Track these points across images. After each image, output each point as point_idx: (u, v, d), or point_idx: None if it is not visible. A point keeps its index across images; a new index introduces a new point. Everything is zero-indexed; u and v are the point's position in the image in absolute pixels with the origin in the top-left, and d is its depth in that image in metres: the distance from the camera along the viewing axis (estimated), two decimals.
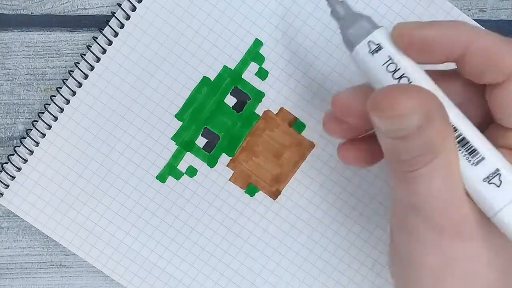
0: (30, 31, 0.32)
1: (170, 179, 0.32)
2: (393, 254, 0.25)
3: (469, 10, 0.32)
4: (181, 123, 0.32)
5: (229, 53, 0.31)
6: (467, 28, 0.23)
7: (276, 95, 0.32)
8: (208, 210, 0.32)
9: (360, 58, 0.23)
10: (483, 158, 0.22)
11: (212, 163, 0.32)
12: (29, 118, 0.32)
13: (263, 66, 0.31)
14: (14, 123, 0.32)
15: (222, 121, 0.32)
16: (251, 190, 0.32)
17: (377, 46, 0.23)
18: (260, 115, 0.32)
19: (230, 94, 0.32)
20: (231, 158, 0.32)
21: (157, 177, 0.32)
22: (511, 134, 0.23)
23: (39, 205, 0.31)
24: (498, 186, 0.22)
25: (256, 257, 0.32)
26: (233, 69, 0.31)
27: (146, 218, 0.32)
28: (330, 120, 0.27)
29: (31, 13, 0.32)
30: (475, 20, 0.32)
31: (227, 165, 0.32)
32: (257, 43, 0.31)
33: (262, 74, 0.32)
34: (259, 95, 0.32)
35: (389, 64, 0.23)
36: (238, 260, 0.32)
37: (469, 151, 0.22)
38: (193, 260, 0.32)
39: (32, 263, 0.33)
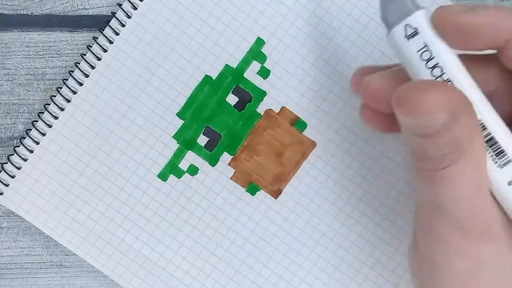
0: (30, 31, 0.32)
1: (172, 177, 0.32)
2: (416, 258, 0.25)
3: None
4: (183, 121, 0.31)
5: (231, 52, 0.31)
6: None
7: (278, 94, 0.32)
8: (209, 209, 0.32)
9: (395, 41, 0.22)
10: (510, 161, 0.22)
11: (213, 161, 0.32)
12: (29, 118, 0.32)
13: (265, 65, 0.32)
14: (14, 123, 0.32)
15: (223, 120, 0.32)
16: (252, 189, 0.32)
17: (413, 31, 0.22)
18: (262, 114, 0.32)
19: (232, 93, 0.32)
20: (232, 156, 0.32)
21: (158, 176, 0.32)
22: None
23: (39, 203, 0.31)
24: None
25: (257, 256, 0.32)
26: (234, 67, 0.31)
27: (147, 217, 0.31)
28: (364, 109, 0.26)
29: (31, 13, 0.32)
30: None
31: (229, 164, 0.32)
32: (259, 42, 0.31)
33: (264, 73, 0.32)
34: (261, 94, 0.32)
35: (423, 52, 0.22)
36: (239, 258, 0.32)
37: (496, 152, 0.22)
38: (194, 259, 0.32)
39: (32, 263, 0.33)
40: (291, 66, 0.31)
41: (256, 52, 0.31)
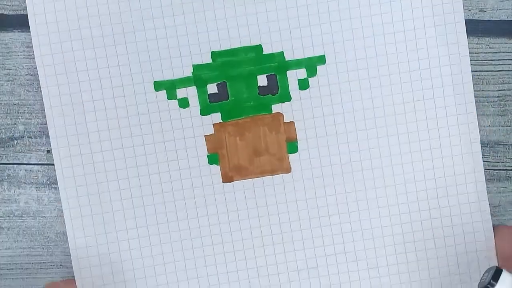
0: (30, 31, 0.32)
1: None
2: None
3: (469, 10, 0.32)
4: (211, 61, 0.31)
5: (293, 45, 0.31)
6: None
7: (298, 109, 0.31)
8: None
9: None
10: None
11: (205, 111, 0.31)
12: (29, 119, 0.32)
13: (310, 79, 0.31)
14: (14, 123, 0.32)
15: (241, 89, 0.31)
16: (212, 158, 0.32)
17: None
18: (272, 112, 0.32)
19: (266, 75, 0.31)
20: (221, 121, 0.32)
21: (154, 83, 0.31)
22: None
23: None
24: None
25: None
26: (285, 60, 0.31)
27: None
28: None
29: None
30: (475, 20, 0.32)
31: (213, 124, 0.31)
32: (321, 59, 0.31)
33: (303, 84, 0.31)
34: (286, 97, 0.31)
35: None
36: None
37: None
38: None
39: (32, 263, 0.33)
40: (327, 99, 0.31)
41: (312, 64, 0.31)
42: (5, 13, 0.31)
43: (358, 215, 0.32)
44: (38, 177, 0.32)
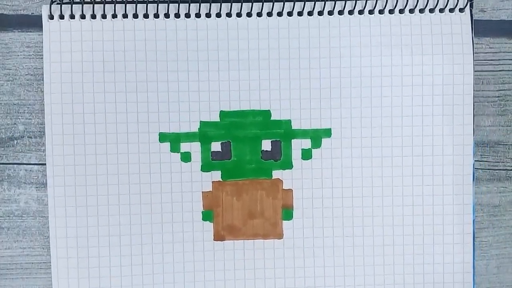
0: (30, 31, 0.32)
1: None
2: None
3: None
4: (219, 120, 0.31)
5: (301, 115, 0.31)
6: None
7: (298, 178, 0.31)
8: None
9: None
10: None
11: (206, 167, 0.31)
12: (29, 119, 0.32)
13: (313, 150, 0.31)
14: (14, 123, 0.32)
15: (244, 151, 0.31)
16: (206, 215, 0.32)
17: None
18: (272, 178, 0.32)
19: (271, 141, 0.31)
20: (220, 180, 0.32)
21: (160, 135, 0.31)
22: None
23: None
24: None
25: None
26: (292, 128, 0.31)
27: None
28: None
29: (31, 13, 0.32)
30: (475, 20, 0.32)
31: (212, 181, 0.31)
32: (327, 132, 0.31)
33: (306, 155, 0.32)
34: (287, 165, 0.32)
35: None
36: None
37: None
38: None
39: (32, 263, 0.33)
40: (326, 172, 0.32)
41: (317, 136, 0.31)
42: (5, 13, 0.31)
43: None
44: (38, 177, 0.32)
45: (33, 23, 0.31)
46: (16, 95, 0.32)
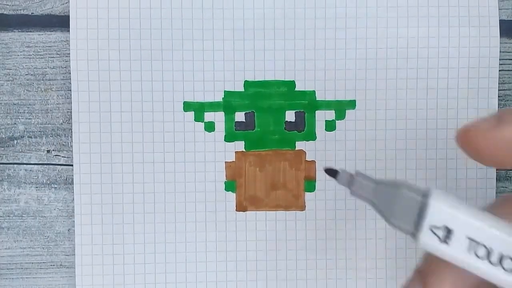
0: (30, 31, 0.32)
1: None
2: None
3: None
4: (243, 89, 0.31)
5: (328, 87, 0.31)
6: None
7: (321, 149, 0.31)
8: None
9: (435, 250, 0.17)
10: None
11: (229, 137, 0.31)
12: (29, 118, 0.32)
13: (337, 121, 0.31)
14: (14, 123, 0.32)
15: (268, 121, 0.31)
16: (229, 186, 0.32)
17: (445, 230, 0.16)
18: (295, 149, 0.32)
19: (295, 112, 0.31)
20: (243, 150, 0.31)
21: (184, 103, 0.31)
22: None
23: None
24: None
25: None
26: (316, 99, 0.31)
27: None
28: None
29: (32, 13, 0.32)
30: None
31: (235, 151, 0.31)
32: (351, 104, 0.31)
33: (330, 126, 0.31)
34: (311, 136, 0.31)
35: (477, 249, 0.16)
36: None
37: None
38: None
39: (32, 263, 0.33)
40: (350, 144, 0.31)
41: (341, 107, 0.31)
42: (5, 13, 0.31)
43: (365, 263, 0.32)
44: (38, 177, 0.32)
45: (33, 23, 0.31)
46: (16, 95, 0.32)
